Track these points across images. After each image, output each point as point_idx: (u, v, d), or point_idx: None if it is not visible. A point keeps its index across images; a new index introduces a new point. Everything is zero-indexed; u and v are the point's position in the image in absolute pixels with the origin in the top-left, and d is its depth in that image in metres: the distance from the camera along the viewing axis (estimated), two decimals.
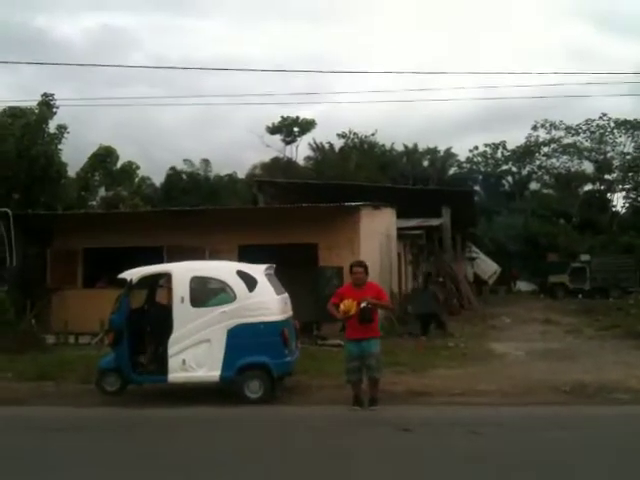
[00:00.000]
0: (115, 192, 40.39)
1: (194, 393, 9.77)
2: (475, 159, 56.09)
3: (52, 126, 22.94)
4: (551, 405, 8.97)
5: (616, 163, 49.87)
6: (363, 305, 8.58)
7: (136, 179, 44.38)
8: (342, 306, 8.62)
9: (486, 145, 55.06)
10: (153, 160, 54.26)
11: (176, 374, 9.43)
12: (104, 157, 39.41)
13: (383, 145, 55.55)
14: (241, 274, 9.85)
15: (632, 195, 51.20)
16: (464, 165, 56.94)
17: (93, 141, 41.35)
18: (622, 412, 8.57)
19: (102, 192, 40.74)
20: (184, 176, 49.80)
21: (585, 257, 39.06)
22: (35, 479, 6.18)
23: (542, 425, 7.86)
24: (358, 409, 8.70)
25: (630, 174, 49.89)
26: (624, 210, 51.48)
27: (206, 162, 51.19)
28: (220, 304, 9.61)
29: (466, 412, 8.63)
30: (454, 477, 5.90)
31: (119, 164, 40.82)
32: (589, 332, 17.96)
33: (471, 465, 6.27)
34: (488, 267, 41.46)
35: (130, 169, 42.09)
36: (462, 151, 57.90)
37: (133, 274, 10.01)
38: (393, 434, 7.54)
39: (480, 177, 57.00)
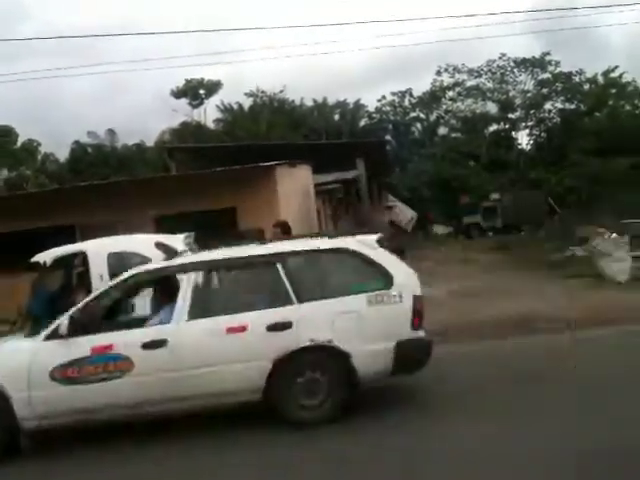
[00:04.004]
0: (18, 172, 38.67)
1: None
2: (384, 109, 56.46)
3: None
4: (475, 341, 9.33)
5: (518, 101, 51.42)
6: None
7: (39, 156, 42.58)
8: None
9: (393, 94, 55.53)
10: (55, 135, 52.13)
11: None
12: (2, 137, 37.59)
13: (293, 101, 55.26)
14: (160, 245, 9.62)
15: (535, 132, 53.11)
16: (374, 115, 57.29)
17: None
18: (542, 340, 9.02)
19: (4, 174, 38.97)
20: (89, 149, 47.98)
21: (495, 196, 40.52)
22: None
23: (467, 360, 8.19)
24: None
25: (532, 111, 51.63)
26: (529, 147, 53.44)
27: (111, 132, 49.52)
28: None
29: None
30: (387, 418, 6.08)
31: (19, 142, 39.04)
32: (505, 268, 18.72)
33: (399, 404, 6.50)
34: (405, 214, 42.39)
35: (31, 147, 40.34)
36: (371, 102, 58.28)
37: (46, 256, 9.64)
38: None
39: (390, 126, 57.57)
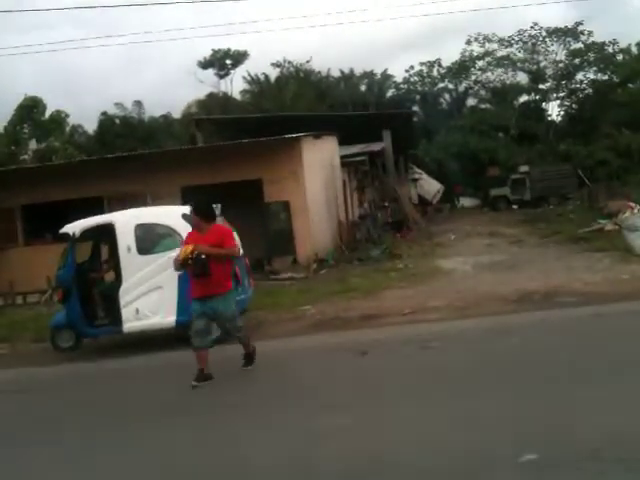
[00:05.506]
0: (47, 144, 39.00)
1: (153, 341, 9.77)
2: (412, 79, 55.76)
3: None
4: (500, 315, 9.25)
5: (549, 72, 50.32)
6: (194, 255, 6.94)
7: (67, 128, 42.86)
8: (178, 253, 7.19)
9: (422, 64, 54.71)
10: (83, 107, 52.46)
11: (131, 324, 9.40)
12: (31, 108, 37.85)
13: (319, 72, 54.84)
14: (186, 217, 9.73)
15: (566, 103, 52.00)
16: (402, 86, 56.65)
17: (18, 92, 39.38)
18: (568, 314, 8.89)
19: (33, 145, 39.32)
20: (117, 120, 48.24)
21: (524, 168, 39.99)
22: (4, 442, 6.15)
23: (491, 334, 8.14)
24: (197, 385, 6.89)
25: (563, 82, 50.52)
26: (559, 118, 52.41)
27: (138, 104, 49.73)
28: (168, 249, 9.49)
29: (418, 329, 8.83)
30: (411, 392, 6.12)
31: (47, 114, 39.27)
32: (532, 241, 18.57)
33: (426, 379, 6.52)
34: (431, 187, 42.08)
35: (60, 118, 40.54)
36: (398, 72, 57.53)
37: (75, 227, 9.79)
38: (352, 358, 7.71)
39: (418, 97, 56.93)
